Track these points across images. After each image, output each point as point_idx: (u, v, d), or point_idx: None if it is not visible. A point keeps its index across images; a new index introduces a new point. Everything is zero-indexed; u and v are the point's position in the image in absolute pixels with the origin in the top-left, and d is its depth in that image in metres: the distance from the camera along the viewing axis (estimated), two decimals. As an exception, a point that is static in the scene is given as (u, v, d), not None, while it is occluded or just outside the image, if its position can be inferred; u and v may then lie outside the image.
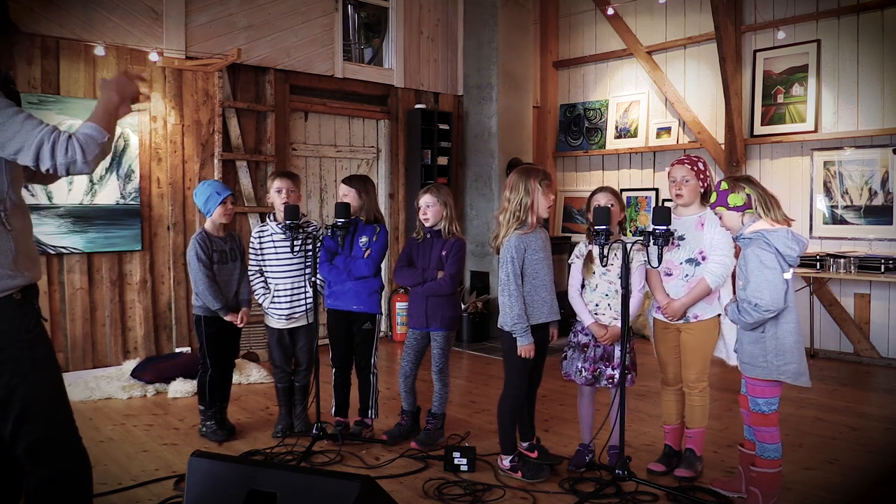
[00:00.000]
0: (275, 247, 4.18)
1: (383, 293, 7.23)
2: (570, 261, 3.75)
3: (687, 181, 3.55)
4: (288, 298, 4.18)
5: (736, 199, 3.12)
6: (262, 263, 4.22)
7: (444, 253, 4.02)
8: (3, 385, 2.12)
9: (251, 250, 4.24)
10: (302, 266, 4.18)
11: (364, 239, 4.16)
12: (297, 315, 4.20)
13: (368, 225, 4.20)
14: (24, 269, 2.16)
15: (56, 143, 2.03)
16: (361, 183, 4.23)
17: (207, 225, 4.20)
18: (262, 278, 4.22)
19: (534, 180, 3.49)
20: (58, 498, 2.23)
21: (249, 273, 4.25)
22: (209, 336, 4.16)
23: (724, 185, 3.17)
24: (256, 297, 4.22)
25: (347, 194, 4.17)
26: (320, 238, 4.06)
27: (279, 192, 4.16)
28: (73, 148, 2.04)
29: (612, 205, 3.52)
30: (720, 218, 3.24)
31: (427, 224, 4.07)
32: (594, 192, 3.69)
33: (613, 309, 3.60)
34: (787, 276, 3.03)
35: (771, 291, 2.96)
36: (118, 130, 5.57)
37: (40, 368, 2.19)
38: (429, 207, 4.05)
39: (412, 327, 4.14)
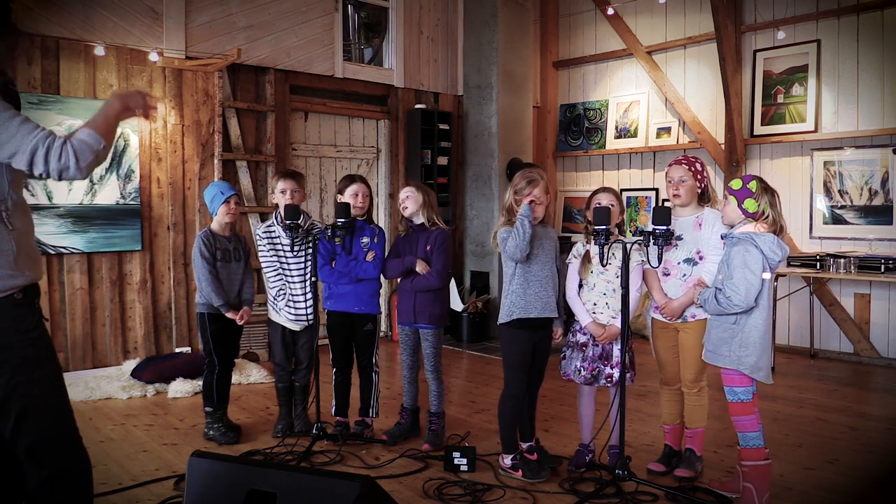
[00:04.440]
0: (283, 251, 4.18)
1: (384, 293, 7.32)
2: (567, 260, 3.77)
3: (684, 181, 3.56)
4: (301, 300, 4.19)
5: (752, 205, 3.18)
6: (278, 262, 4.19)
7: (428, 248, 4.03)
8: (4, 384, 2.12)
9: (261, 250, 4.21)
10: (310, 267, 4.19)
11: (366, 240, 4.16)
12: (303, 315, 4.21)
13: (368, 226, 4.21)
14: (25, 269, 2.16)
15: (50, 148, 2.02)
16: (368, 183, 4.26)
17: (213, 224, 4.22)
18: (282, 279, 4.20)
19: (513, 184, 3.61)
20: (58, 497, 2.23)
21: (270, 272, 4.20)
22: (213, 333, 4.15)
23: (752, 186, 3.19)
24: (271, 296, 4.22)
25: (368, 194, 4.19)
26: (319, 238, 4.05)
27: (283, 192, 4.15)
28: (67, 154, 2.03)
29: (612, 205, 3.55)
30: (724, 204, 3.31)
31: (406, 213, 4.09)
32: (595, 192, 3.72)
33: (611, 308, 3.61)
34: (766, 276, 3.14)
35: (747, 291, 3.10)
36: (118, 130, 5.58)
37: (42, 368, 2.19)
38: (407, 198, 4.08)
39: (401, 323, 4.16)
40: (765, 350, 3.20)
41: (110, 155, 5.51)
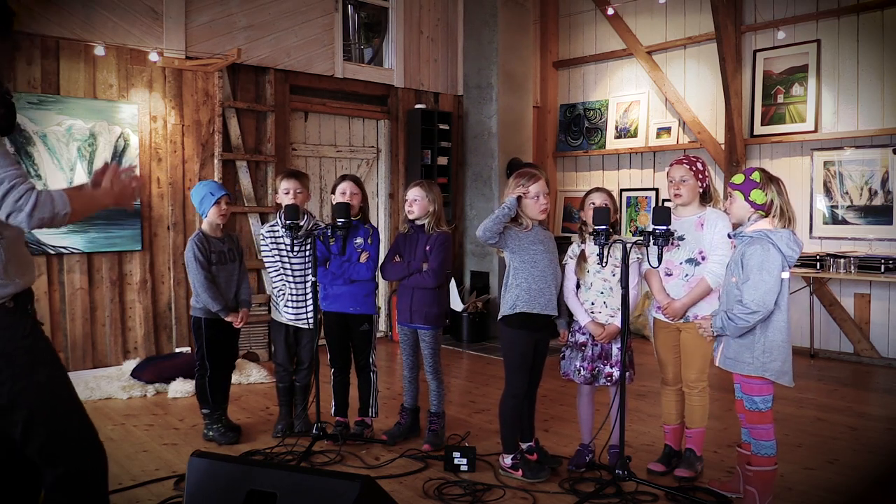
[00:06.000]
0: (285, 251, 4.18)
1: (384, 293, 7.32)
2: (563, 261, 3.77)
3: (685, 181, 3.55)
4: (303, 300, 4.19)
5: (760, 196, 3.07)
6: (280, 262, 4.20)
7: (427, 248, 4.03)
8: (6, 392, 2.13)
9: (264, 250, 4.21)
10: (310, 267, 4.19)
11: (359, 240, 4.16)
12: (303, 315, 4.20)
13: (362, 226, 4.20)
14: (14, 277, 2.16)
15: (14, 188, 2.01)
16: (361, 183, 4.25)
17: (204, 226, 4.17)
18: (283, 279, 4.20)
19: (511, 181, 3.60)
20: (74, 494, 2.24)
21: (272, 272, 4.21)
22: (209, 339, 4.14)
23: (756, 176, 3.10)
24: (274, 294, 4.22)
25: (357, 193, 4.17)
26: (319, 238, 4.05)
27: (287, 192, 4.15)
28: (28, 199, 2.02)
29: (605, 204, 3.55)
30: (729, 202, 3.20)
31: (410, 216, 4.08)
32: (589, 192, 3.72)
33: (609, 307, 3.62)
34: (785, 275, 3.03)
35: (763, 294, 2.96)
36: (118, 130, 5.59)
37: (41, 371, 2.20)
38: (416, 201, 4.05)
39: (399, 323, 4.17)
40: (788, 353, 3.07)
41: (110, 154, 5.56)
